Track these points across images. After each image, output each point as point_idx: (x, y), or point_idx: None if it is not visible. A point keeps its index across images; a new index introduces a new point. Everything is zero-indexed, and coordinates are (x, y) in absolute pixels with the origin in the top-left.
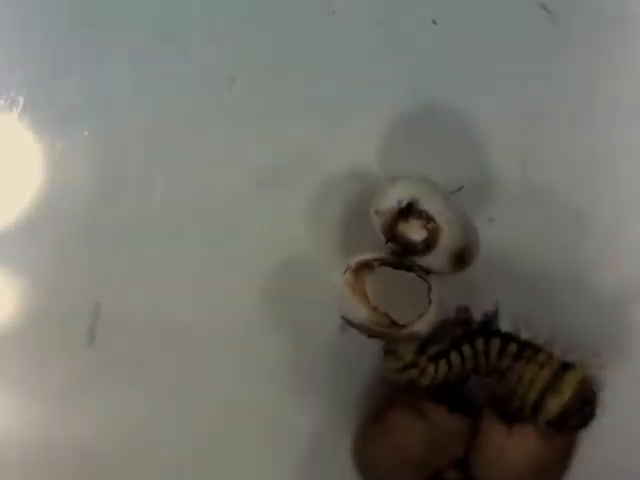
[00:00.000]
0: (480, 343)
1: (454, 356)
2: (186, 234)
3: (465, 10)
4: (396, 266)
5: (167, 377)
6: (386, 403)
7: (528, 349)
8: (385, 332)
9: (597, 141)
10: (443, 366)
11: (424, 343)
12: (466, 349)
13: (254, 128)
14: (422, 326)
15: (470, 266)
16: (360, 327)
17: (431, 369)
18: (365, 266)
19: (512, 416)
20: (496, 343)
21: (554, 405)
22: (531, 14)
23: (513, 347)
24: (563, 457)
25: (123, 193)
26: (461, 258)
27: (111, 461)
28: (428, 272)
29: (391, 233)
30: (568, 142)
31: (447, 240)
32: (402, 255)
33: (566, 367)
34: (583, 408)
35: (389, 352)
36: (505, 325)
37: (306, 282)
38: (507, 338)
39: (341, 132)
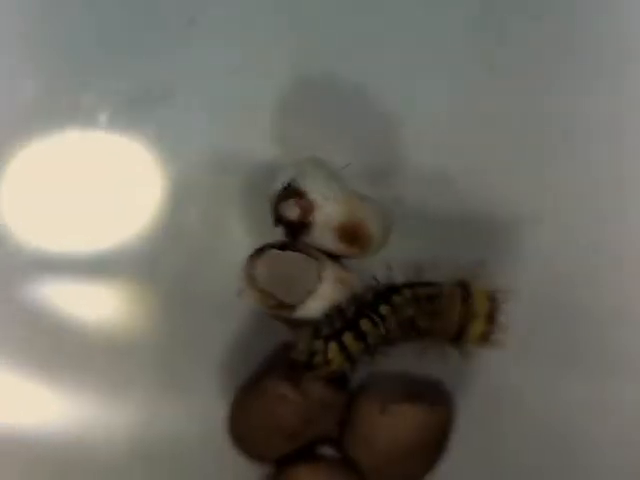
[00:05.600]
0: (381, 309)
1: (348, 336)
2: None
3: None
4: (283, 248)
5: None
6: (262, 371)
7: (428, 289)
8: (278, 313)
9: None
10: (349, 343)
11: (320, 325)
12: (364, 324)
13: None
14: (315, 305)
15: (375, 247)
16: (270, 315)
17: (333, 352)
18: (257, 253)
19: None
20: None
21: (477, 327)
22: None
23: (419, 292)
24: (437, 440)
25: None
26: (351, 236)
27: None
28: (335, 257)
29: (276, 216)
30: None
31: (325, 216)
32: (290, 236)
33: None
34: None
35: (294, 340)
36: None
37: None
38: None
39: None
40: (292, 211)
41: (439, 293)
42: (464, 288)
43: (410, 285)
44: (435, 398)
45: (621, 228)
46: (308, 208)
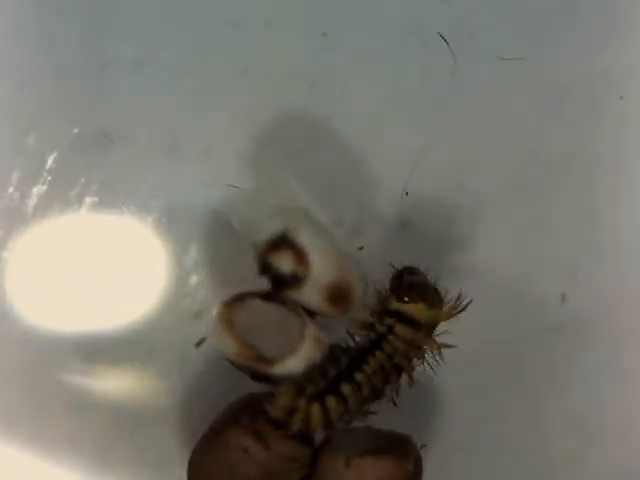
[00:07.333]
0: (356, 376)
1: (330, 398)
2: None
3: None
4: (267, 298)
5: None
6: (226, 419)
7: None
8: (255, 367)
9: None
10: (330, 406)
11: (303, 384)
12: (345, 387)
13: None
14: (295, 363)
15: (350, 309)
16: (237, 365)
17: (315, 412)
18: (237, 300)
19: None
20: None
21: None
22: None
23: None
24: None
25: None
26: (338, 297)
27: None
28: (311, 313)
29: (263, 265)
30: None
31: (318, 274)
32: (276, 289)
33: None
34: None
35: (271, 396)
36: None
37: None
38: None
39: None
40: (285, 263)
41: (396, 347)
42: (405, 320)
43: (370, 349)
44: (401, 452)
45: None
46: (303, 261)
